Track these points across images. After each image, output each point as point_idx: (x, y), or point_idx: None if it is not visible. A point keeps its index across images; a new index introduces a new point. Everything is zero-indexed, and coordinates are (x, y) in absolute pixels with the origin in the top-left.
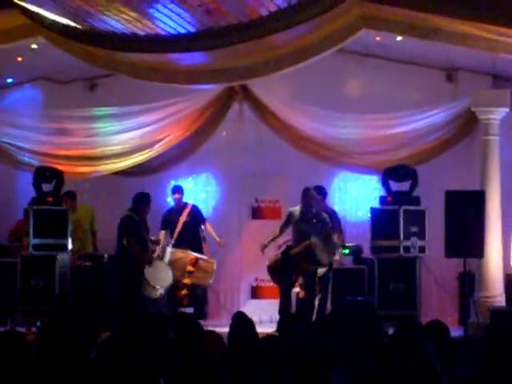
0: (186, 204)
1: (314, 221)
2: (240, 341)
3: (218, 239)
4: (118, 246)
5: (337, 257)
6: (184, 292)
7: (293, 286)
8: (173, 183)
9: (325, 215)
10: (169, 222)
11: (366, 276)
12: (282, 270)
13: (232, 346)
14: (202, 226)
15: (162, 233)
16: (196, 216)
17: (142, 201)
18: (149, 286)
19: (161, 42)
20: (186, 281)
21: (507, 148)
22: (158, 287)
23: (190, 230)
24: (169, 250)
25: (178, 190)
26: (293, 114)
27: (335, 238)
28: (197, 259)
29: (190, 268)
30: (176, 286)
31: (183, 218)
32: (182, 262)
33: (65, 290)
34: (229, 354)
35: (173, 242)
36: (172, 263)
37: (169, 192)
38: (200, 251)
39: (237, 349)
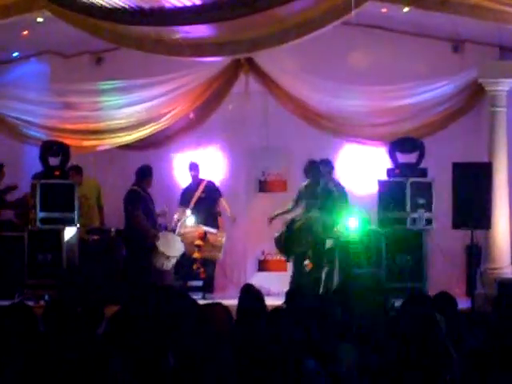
0: (201, 180)
1: (319, 194)
2: (249, 312)
3: (229, 214)
4: (126, 220)
5: (336, 229)
6: (196, 266)
7: (302, 258)
8: (176, 156)
9: (332, 188)
10: (186, 198)
11: (372, 248)
12: (286, 243)
13: (241, 317)
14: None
15: (180, 210)
16: (211, 191)
17: (144, 174)
18: (162, 256)
19: (166, 15)
20: (196, 255)
21: None
22: (172, 256)
23: (204, 206)
24: (179, 223)
25: (194, 166)
26: (299, 86)
27: (337, 211)
28: (205, 233)
29: (198, 242)
30: (188, 260)
31: (198, 194)
32: (190, 236)
33: (72, 264)
34: (237, 326)
35: (186, 216)
36: (181, 237)
37: (175, 165)
38: (216, 226)
39: (245, 320)
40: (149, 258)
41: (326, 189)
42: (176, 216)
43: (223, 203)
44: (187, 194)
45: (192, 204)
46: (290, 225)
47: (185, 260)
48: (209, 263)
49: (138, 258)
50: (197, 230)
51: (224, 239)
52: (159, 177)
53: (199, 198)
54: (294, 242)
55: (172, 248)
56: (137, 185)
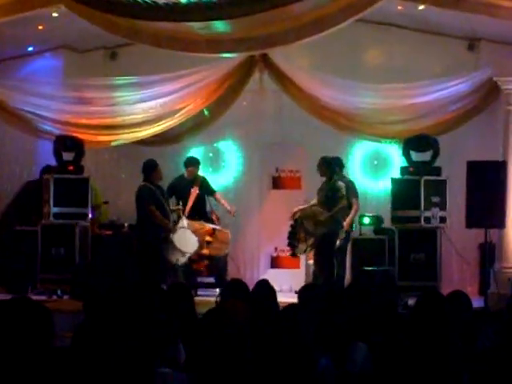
0: (197, 175)
1: (327, 191)
2: (261, 309)
3: (229, 208)
4: (138, 217)
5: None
6: (205, 263)
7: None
8: (192, 152)
9: (338, 187)
10: (176, 192)
11: (386, 246)
12: (289, 239)
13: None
14: (212, 197)
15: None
16: (206, 187)
17: (149, 168)
18: (177, 251)
19: (181, 11)
20: (205, 251)
21: None
22: (187, 253)
23: (201, 202)
24: (185, 221)
25: (195, 162)
26: (314, 84)
27: (337, 208)
28: (213, 230)
29: (208, 238)
30: (192, 258)
31: (196, 190)
32: (199, 234)
33: (85, 259)
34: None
35: (186, 213)
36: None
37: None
38: (211, 222)
39: (258, 317)
40: (161, 254)
41: (334, 187)
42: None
43: (219, 198)
44: (179, 186)
45: (191, 201)
46: (296, 221)
47: (191, 258)
48: (220, 259)
49: (150, 255)
50: (204, 227)
51: (230, 235)
52: (174, 172)
53: (197, 195)
54: (295, 237)
55: (187, 244)
56: (146, 180)
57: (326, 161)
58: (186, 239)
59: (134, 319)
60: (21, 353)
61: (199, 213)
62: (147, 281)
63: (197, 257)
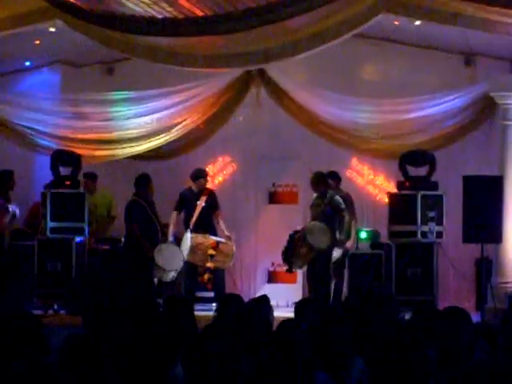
0: (205, 188)
1: (325, 206)
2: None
3: (226, 233)
4: (126, 231)
5: (348, 244)
6: (207, 276)
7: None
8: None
9: (338, 200)
10: (186, 203)
11: (383, 261)
12: (285, 254)
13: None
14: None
15: (175, 213)
16: (212, 202)
17: (142, 183)
18: (160, 269)
19: (178, 26)
20: (209, 265)
21: None
22: (168, 270)
23: (207, 215)
24: (189, 234)
25: (205, 174)
26: (310, 99)
27: (346, 222)
28: (217, 243)
29: (211, 252)
30: (197, 270)
31: (202, 203)
32: (203, 247)
33: (82, 274)
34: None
35: (191, 226)
36: (194, 248)
37: (185, 176)
38: (216, 236)
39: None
40: (149, 270)
41: (333, 201)
42: (172, 221)
43: (219, 218)
44: (187, 199)
45: (196, 213)
46: (292, 236)
47: (196, 271)
48: (219, 272)
49: (138, 269)
50: (208, 240)
51: (234, 247)
52: (170, 187)
53: (202, 208)
54: (293, 253)
55: (169, 261)
56: (137, 195)
57: (320, 177)
58: (168, 256)
59: (132, 335)
60: (14, 367)
61: (205, 226)
62: (142, 295)
63: (202, 270)
